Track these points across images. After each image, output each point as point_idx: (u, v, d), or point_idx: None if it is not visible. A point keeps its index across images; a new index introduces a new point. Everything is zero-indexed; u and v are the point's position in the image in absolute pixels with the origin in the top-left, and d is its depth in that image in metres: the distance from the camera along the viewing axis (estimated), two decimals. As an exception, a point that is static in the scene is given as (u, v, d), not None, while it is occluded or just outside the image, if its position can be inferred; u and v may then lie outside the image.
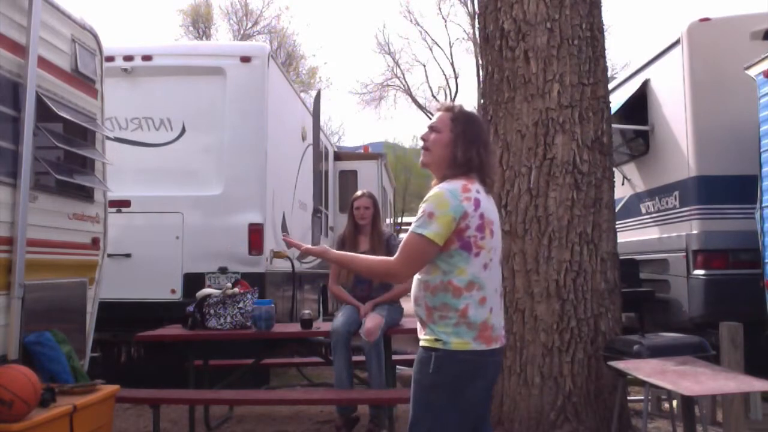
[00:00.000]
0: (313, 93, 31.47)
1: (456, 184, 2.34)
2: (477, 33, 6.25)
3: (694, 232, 5.68)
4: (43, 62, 4.02)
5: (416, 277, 2.43)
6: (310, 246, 2.71)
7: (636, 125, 6.88)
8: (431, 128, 2.47)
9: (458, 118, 2.45)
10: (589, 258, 4.25)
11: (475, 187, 2.36)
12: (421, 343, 2.39)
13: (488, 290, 2.35)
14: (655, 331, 4.40)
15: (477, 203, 2.33)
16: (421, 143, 2.51)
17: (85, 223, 4.63)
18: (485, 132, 2.52)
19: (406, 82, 30.64)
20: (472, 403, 2.33)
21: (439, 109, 2.53)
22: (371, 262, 2.55)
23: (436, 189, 2.36)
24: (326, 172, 9.85)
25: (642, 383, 3.35)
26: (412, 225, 2.35)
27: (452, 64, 36.30)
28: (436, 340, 2.31)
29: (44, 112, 4.00)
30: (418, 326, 2.45)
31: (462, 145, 2.41)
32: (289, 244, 2.80)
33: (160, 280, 6.09)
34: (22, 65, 3.80)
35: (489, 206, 2.40)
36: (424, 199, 2.37)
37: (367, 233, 4.90)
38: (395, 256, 2.39)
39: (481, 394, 2.37)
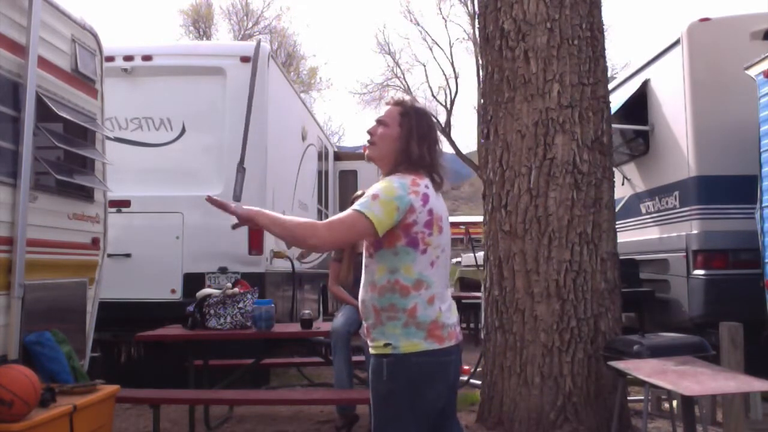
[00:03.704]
0: (313, 93, 31.57)
1: (406, 178, 2.29)
2: (477, 33, 6.26)
3: (694, 232, 5.68)
4: (43, 62, 4.02)
5: (362, 279, 2.36)
6: (240, 206, 2.30)
7: (636, 125, 6.86)
8: (379, 122, 2.41)
9: (408, 112, 2.38)
10: (589, 258, 4.25)
11: (424, 183, 2.31)
12: (371, 351, 2.33)
13: (436, 288, 2.28)
14: (655, 331, 4.40)
15: (426, 198, 2.26)
16: (367, 137, 2.43)
17: (85, 223, 4.62)
18: (435, 128, 2.45)
19: (406, 82, 30.62)
20: (432, 405, 2.27)
21: (388, 103, 2.45)
22: (298, 222, 2.28)
23: (386, 179, 2.30)
24: (326, 172, 9.86)
25: (642, 383, 3.34)
26: (354, 205, 2.24)
27: (452, 64, 36.30)
28: (386, 345, 2.25)
29: (44, 112, 4.00)
30: (366, 331, 2.38)
31: (413, 141, 2.34)
32: (214, 204, 2.30)
33: (160, 280, 6.09)
34: (22, 65, 3.80)
35: (438, 203, 2.33)
36: (371, 187, 2.29)
37: (367, 233, 4.88)
38: (324, 221, 2.26)
39: (442, 395, 2.30)
